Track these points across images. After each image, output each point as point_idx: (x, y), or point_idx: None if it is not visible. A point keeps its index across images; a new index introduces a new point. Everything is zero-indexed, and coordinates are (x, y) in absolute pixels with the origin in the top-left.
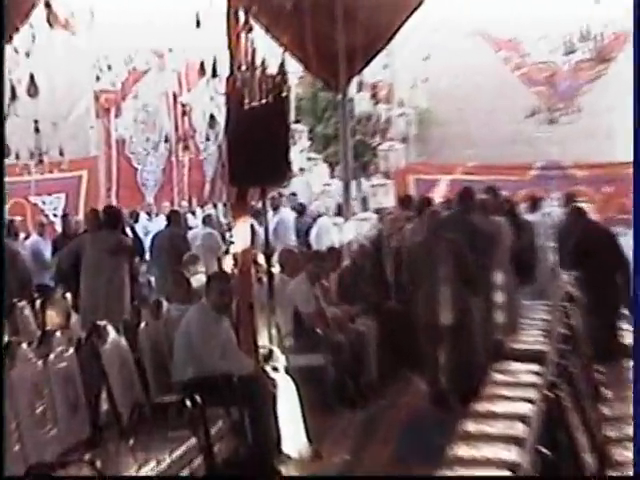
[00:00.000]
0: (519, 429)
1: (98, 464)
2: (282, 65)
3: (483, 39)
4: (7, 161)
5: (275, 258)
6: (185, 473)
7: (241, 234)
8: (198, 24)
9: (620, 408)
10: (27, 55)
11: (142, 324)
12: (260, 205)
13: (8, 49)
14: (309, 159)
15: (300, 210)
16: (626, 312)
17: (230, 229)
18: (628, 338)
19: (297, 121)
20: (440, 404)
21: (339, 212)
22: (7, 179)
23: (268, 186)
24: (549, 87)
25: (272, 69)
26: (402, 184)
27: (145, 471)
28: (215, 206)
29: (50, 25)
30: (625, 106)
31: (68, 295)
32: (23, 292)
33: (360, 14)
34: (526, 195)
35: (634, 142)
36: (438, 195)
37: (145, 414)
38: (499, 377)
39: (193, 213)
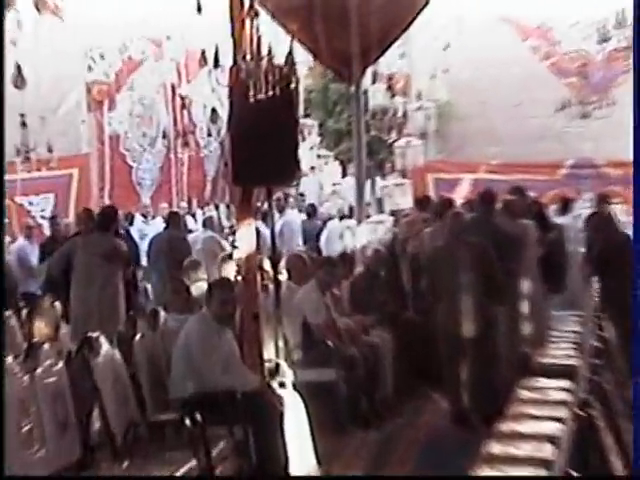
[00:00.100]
0: (547, 451)
1: None
2: (290, 54)
3: (509, 26)
4: None
5: (282, 264)
6: None
7: (245, 238)
8: (199, 9)
9: None
10: (13, 43)
11: (138, 336)
12: (266, 207)
13: None
14: (319, 157)
15: (310, 212)
16: None
17: (233, 232)
18: None
19: (306, 115)
20: (462, 423)
21: (351, 214)
22: None
23: (275, 186)
24: (581, 78)
25: (279, 59)
26: (420, 184)
27: None
28: (217, 207)
29: (38, 10)
30: None
31: (57, 304)
32: (8, 301)
33: None
34: (555, 196)
35: (634, 142)
36: (459, 196)
37: (141, 434)
38: (526, 394)
39: (193, 215)
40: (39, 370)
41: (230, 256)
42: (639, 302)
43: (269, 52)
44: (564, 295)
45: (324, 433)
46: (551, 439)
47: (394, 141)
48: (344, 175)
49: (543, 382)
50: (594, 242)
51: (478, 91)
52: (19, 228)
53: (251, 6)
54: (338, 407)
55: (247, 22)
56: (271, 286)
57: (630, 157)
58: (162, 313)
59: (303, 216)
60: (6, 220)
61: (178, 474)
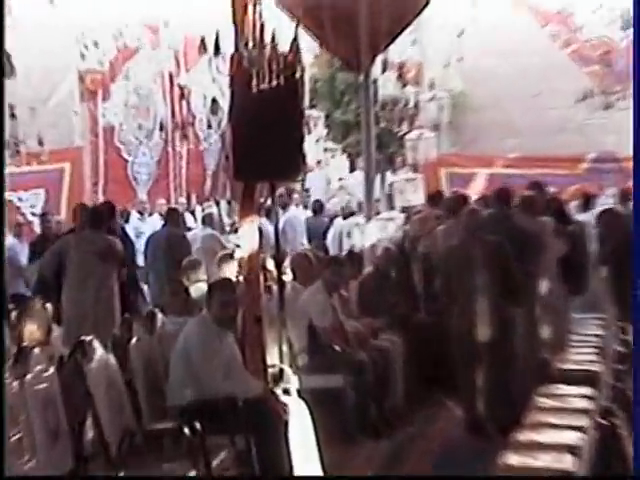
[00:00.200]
0: (568, 462)
1: None
2: (295, 41)
3: (527, 11)
4: None
5: (287, 264)
6: None
7: (247, 236)
8: None
9: None
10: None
11: (133, 339)
12: (269, 203)
13: None
14: (326, 150)
15: (316, 208)
16: None
17: (235, 230)
18: None
19: (312, 106)
20: (477, 433)
21: (360, 211)
22: None
23: (279, 181)
24: (604, 66)
25: (284, 46)
26: (433, 179)
27: None
28: (217, 204)
29: None
30: None
31: (49, 306)
32: None
33: None
34: (576, 191)
35: (634, 142)
36: (474, 191)
37: (136, 443)
38: (545, 402)
39: (192, 212)
40: (29, 376)
41: (231, 255)
42: (639, 302)
43: (273, 39)
44: (585, 297)
45: (331, 443)
46: (572, 449)
47: (405, 133)
48: (352, 169)
49: (563, 389)
50: (606, 240)
51: (494, 80)
52: (8, 225)
53: None
54: (345, 415)
55: (249, 7)
56: (275, 287)
57: None
58: (159, 315)
59: (309, 213)
60: None
61: None
